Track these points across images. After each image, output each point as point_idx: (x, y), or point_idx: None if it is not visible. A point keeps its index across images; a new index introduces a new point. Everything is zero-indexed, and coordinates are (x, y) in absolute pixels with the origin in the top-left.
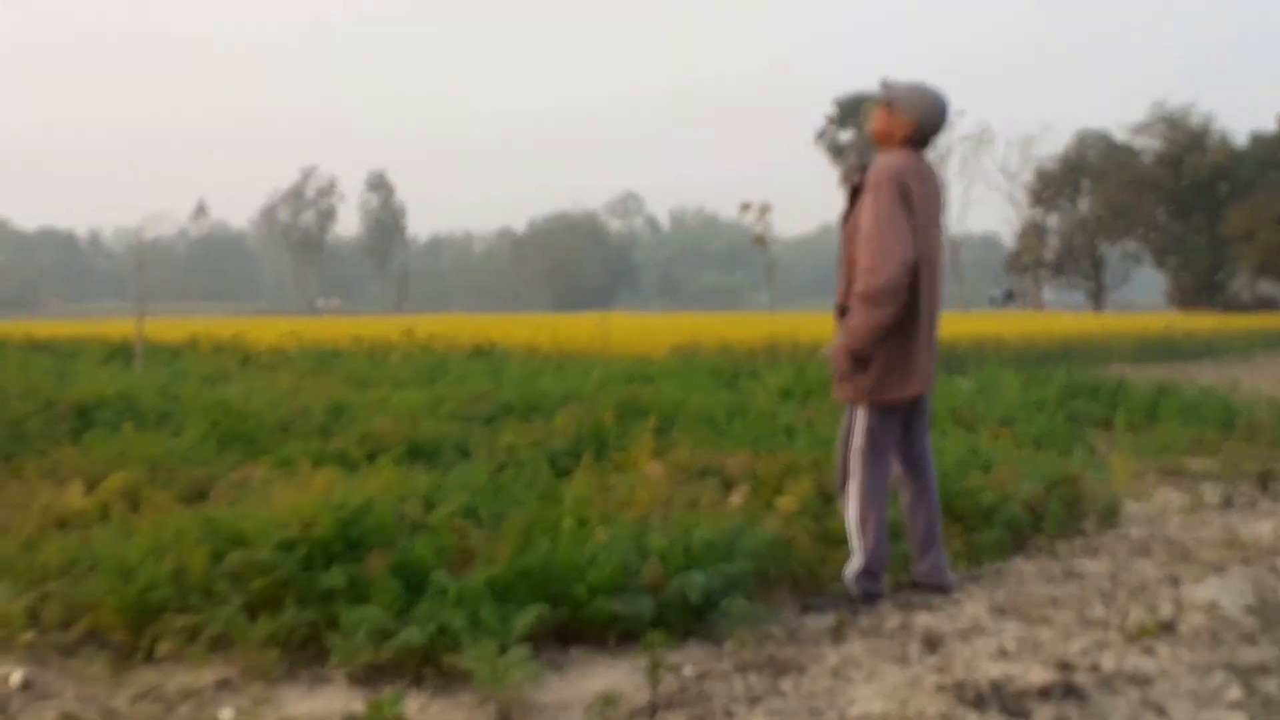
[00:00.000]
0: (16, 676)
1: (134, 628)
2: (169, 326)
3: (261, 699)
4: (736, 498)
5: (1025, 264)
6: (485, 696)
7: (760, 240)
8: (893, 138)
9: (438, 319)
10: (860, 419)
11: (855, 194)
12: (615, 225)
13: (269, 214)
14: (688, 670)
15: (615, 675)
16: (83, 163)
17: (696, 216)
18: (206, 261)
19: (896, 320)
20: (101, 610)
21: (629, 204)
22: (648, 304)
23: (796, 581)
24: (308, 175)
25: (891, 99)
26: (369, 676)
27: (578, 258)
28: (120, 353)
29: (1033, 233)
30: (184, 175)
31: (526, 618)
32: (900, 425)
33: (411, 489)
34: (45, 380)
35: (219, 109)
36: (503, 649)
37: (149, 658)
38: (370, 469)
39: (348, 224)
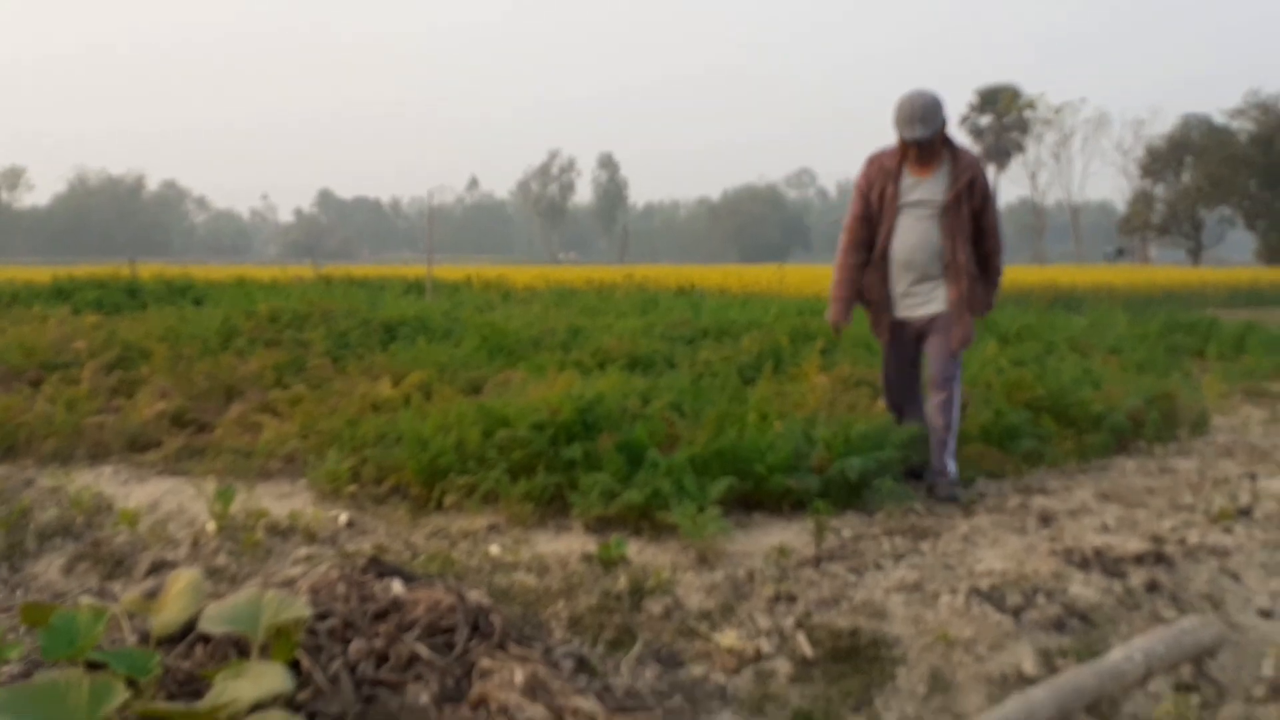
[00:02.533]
0: (343, 518)
1: (427, 484)
2: (449, 271)
3: (520, 540)
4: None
5: (1135, 226)
6: (687, 544)
7: None
8: (943, 147)
9: (650, 268)
10: (962, 337)
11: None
12: (792, 195)
13: (524, 186)
14: (846, 533)
15: (788, 534)
16: (386, 144)
17: None
18: (476, 223)
19: None
20: (404, 471)
21: (803, 177)
22: (816, 259)
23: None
24: (553, 156)
25: (942, 127)
26: (600, 526)
27: (760, 221)
28: (415, 288)
29: (1142, 200)
30: (462, 155)
31: (719, 487)
32: None
33: (632, 389)
34: (362, 306)
35: (490, 101)
36: (700, 509)
37: (438, 507)
38: (600, 374)
39: (583, 194)
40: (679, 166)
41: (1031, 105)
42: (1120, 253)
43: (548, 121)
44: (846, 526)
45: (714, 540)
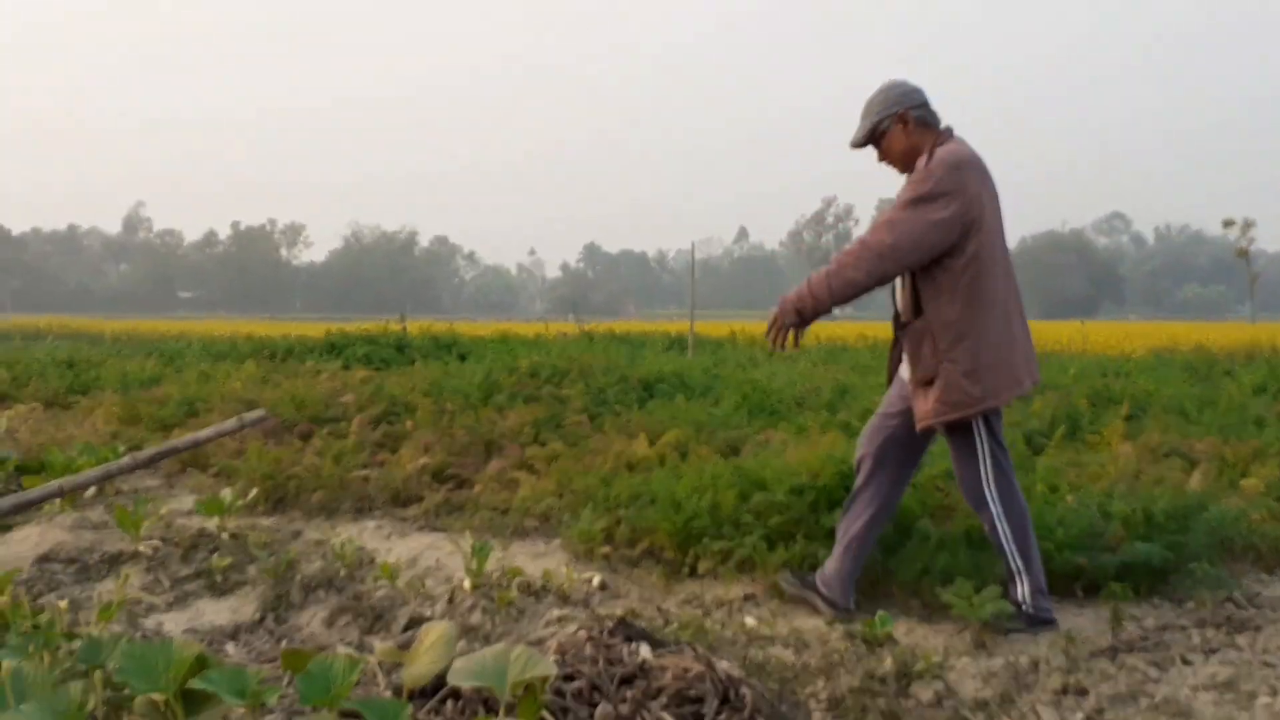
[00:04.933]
0: (596, 579)
1: (681, 548)
2: (713, 326)
3: (777, 612)
4: (1197, 477)
5: None
6: (962, 625)
7: (1243, 253)
8: (915, 146)
9: None
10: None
11: None
12: (1102, 242)
13: (795, 237)
14: (1148, 622)
15: (1080, 621)
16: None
17: (1181, 233)
18: (744, 276)
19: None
20: (657, 533)
21: (1115, 222)
22: (1128, 315)
23: (1260, 555)
24: (828, 204)
25: (878, 128)
26: (864, 602)
27: (1063, 271)
28: (676, 343)
29: None
30: (731, 206)
31: (997, 564)
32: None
33: None
34: (621, 362)
35: (761, 147)
36: (978, 588)
37: (692, 572)
38: None
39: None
40: None
41: None
42: None
43: (822, 167)
44: (1148, 615)
45: (992, 622)
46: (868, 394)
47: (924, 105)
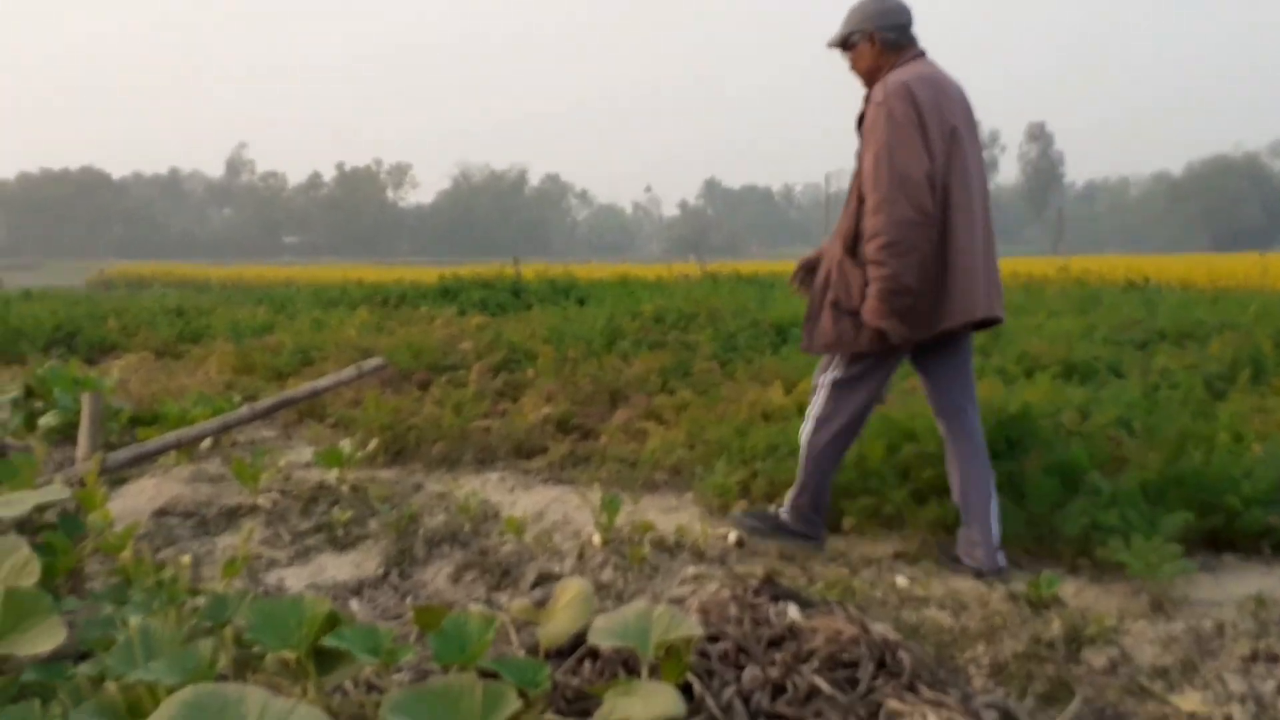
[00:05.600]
0: (733, 536)
1: None
2: None
3: (930, 571)
4: None
5: None
6: (1138, 587)
7: None
8: (878, 66)
9: (1091, 259)
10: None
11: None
12: (1277, 166)
13: None
14: None
15: (1268, 581)
16: (775, 125)
17: None
18: None
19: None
20: None
21: None
22: None
23: None
24: None
25: (848, 40)
26: (1026, 560)
27: (1236, 200)
28: None
29: None
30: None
31: (1175, 521)
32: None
33: (1066, 401)
34: (750, 305)
35: None
36: (1155, 546)
37: (835, 529)
38: (1027, 383)
39: (1007, 173)
40: (1129, 135)
41: None
42: None
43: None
44: None
45: (1172, 584)
46: (1022, 337)
47: (899, 27)
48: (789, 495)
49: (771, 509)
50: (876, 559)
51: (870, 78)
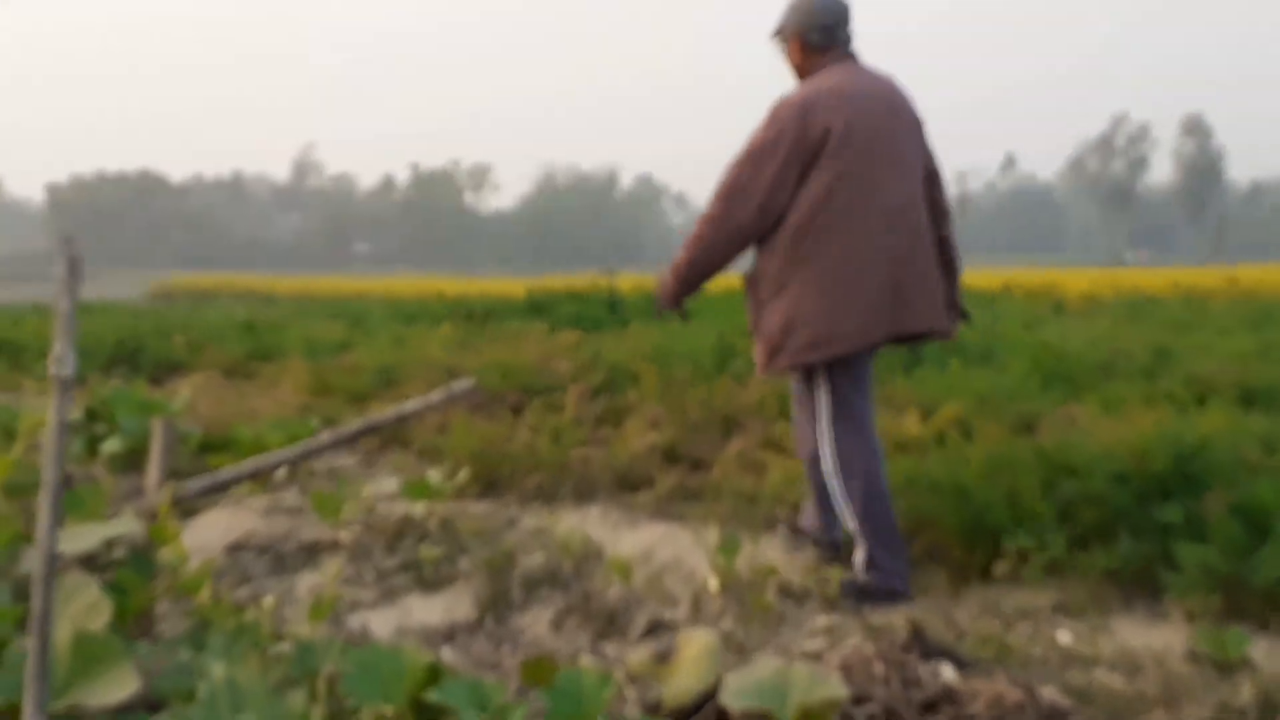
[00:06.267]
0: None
1: (969, 546)
2: (982, 276)
3: (1097, 626)
4: None
5: None
6: None
7: None
8: (803, 66)
9: (1259, 268)
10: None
11: None
12: None
13: (1077, 165)
14: None
15: None
16: None
17: None
18: (1014, 213)
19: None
20: (940, 527)
21: None
22: None
23: None
24: (1118, 123)
25: (781, 34)
26: (1209, 615)
27: None
28: None
29: None
30: (994, 127)
31: None
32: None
33: (1248, 431)
34: None
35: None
36: None
37: (985, 575)
38: (1200, 411)
39: (1160, 171)
40: None
41: None
42: None
43: (1110, 77)
44: None
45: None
46: (1192, 357)
47: (823, 28)
48: (856, 561)
49: (848, 577)
50: (1033, 610)
51: (798, 74)
